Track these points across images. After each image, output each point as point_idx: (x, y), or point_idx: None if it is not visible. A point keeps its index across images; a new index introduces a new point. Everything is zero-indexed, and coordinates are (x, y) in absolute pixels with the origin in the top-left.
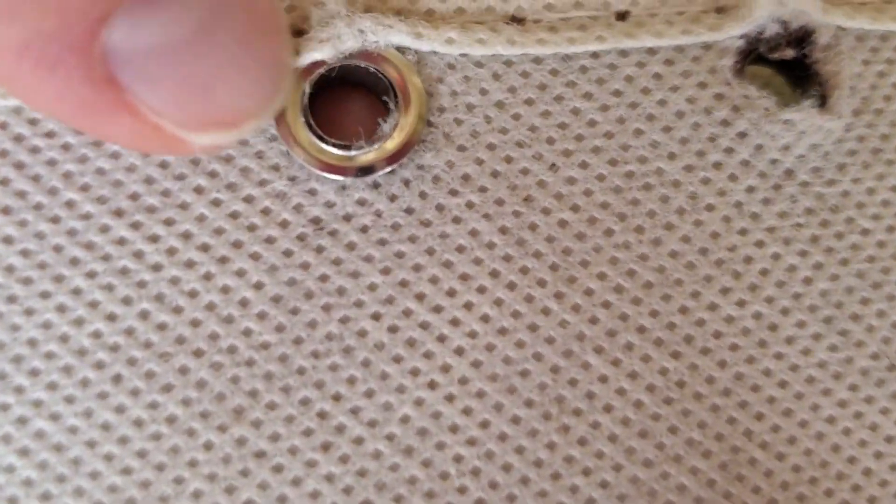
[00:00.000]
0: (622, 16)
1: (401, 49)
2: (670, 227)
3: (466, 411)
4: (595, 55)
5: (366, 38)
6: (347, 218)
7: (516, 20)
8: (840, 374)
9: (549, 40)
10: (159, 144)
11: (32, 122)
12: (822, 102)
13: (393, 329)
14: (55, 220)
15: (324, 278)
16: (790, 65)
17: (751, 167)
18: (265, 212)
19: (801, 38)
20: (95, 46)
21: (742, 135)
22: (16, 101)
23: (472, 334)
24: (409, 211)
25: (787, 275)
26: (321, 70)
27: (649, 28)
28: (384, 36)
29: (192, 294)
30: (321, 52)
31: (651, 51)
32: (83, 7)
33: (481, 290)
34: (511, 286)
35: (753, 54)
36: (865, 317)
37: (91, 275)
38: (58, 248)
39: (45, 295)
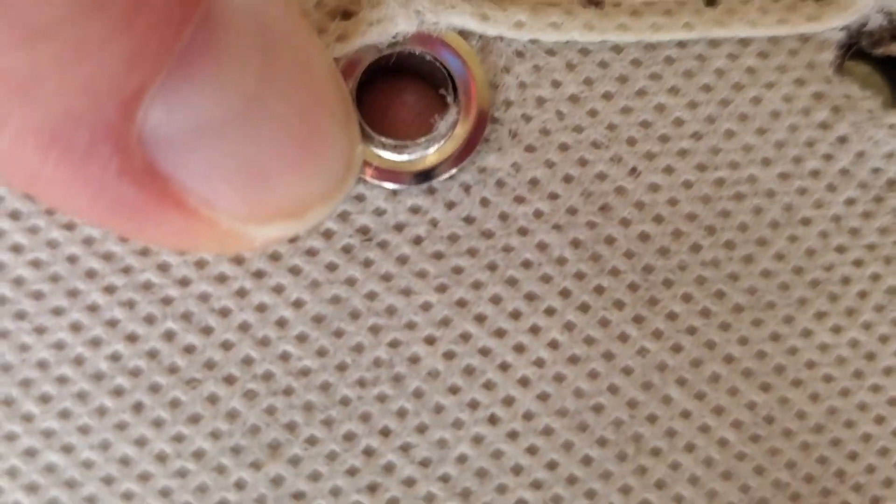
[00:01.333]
0: (712, 1)
1: (462, 33)
2: (763, 242)
3: (531, 450)
4: (682, 44)
5: (423, 18)
6: (399, 227)
7: (594, 3)
8: None
9: (631, 26)
10: (214, 242)
11: None
12: None
13: (449, 355)
14: (69, 226)
15: (371, 296)
16: (893, 62)
17: (851, 176)
18: None
19: None
20: (131, 130)
21: (842, 139)
22: None
23: (539, 363)
24: (468, 220)
25: (887, 298)
26: (370, 59)
27: (742, 16)
28: (445, 17)
29: (224, 312)
30: (371, 36)
31: (744, 41)
32: (114, 81)
33: (550, 312)
34: (584, 308)
35: (854, 48)
36: None
37: (110, 289)
38: (72, 259)
39: (57, 311)
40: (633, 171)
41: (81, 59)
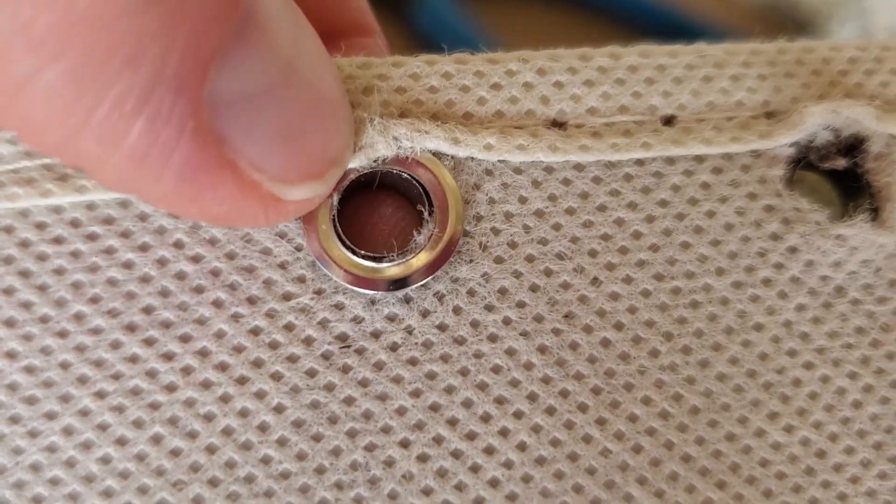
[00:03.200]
0: (669, 120)
1: (437, 154)
2: (718, 347)
3: None
4: (640, 162)
5: (400, 144)
6: (376, 335)
7: (558, 124)
8: (891, 503)
9: (592, 147)
10: (256, 207)
11: (40, 227)
12: (874, 214)
13: (423, 458)
14: (63, 334)
15: (349, 401)
16: (840, 173)
17: (801, 284)
18: (288, 328)
19: (853, 145)
20: (202, 94)
21: (793, 250)
22: (23, 204)
23: (508, 464)
24: (441, 328)
25: (836, 398)
26: (351, 177)
27: (697, 135)
28: (420, 142)
29: (209, 417)
30: (354, 160)
31: (699, 158)
32: (198, 46)
33: (518, 415)
34: (550, 411)
35: (803, 162)
36: None
37: (101, 395)
38: (65, 365)
39: (50, 416)
40: (595, 281)
41: (177, 24)
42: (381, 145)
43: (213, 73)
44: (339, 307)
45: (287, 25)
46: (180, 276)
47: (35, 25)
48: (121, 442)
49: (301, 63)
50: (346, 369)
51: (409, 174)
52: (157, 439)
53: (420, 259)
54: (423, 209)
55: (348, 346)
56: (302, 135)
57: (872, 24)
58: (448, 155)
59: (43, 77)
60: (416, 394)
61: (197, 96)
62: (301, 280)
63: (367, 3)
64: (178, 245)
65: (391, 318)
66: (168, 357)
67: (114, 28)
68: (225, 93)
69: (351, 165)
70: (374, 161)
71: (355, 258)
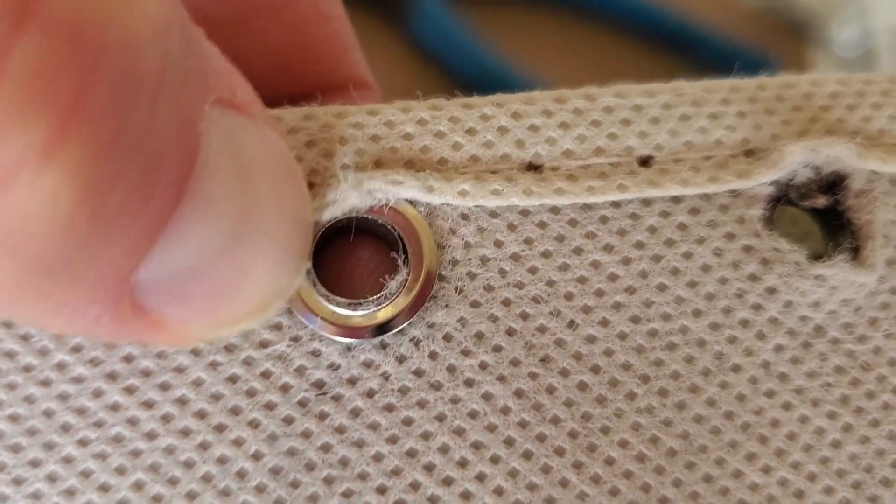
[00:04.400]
0: (645, 161)
1: (412, 200)
2: (695, 389)
3: None
4: (616, 204)
5: (374, 196)
6: (352, 381)
7: (533, 167)
8: None
9: (567, 190)
10: (188, 344)
11: None
12: (855, 252)
13: None
14: (46, 382)
15: (326, 448)
16: (821, 210)
17: (779, 325)
18: (265, 375)
19: (834, 182)
20: (126, 290)
21: (771, 290)
22: None
23: None
24: (418, 373)
25: (814, 438)
26: (326, 226)
27: (674, 176)
28: (395, 193)
29: (189, 464)
30: (328, 212)
31: (676, 199)
32: (117, 268)
33: (495, 459)
34: (527, 455)
35: (783, 200)
36: None
37: (84, 442)
38: (49, 413)
39: (35, 463)
40: (572, 325)
41: (94, 257)
42: (354, 199)
43: (140, 266)
44: (315, 354)
45: (234, 186)
46: None
47: None
48: (104, 488)
49: (248, 226)
50: (322, 416)
51: (384, 221)
52: (138, 486)
53: (396, 305)
54: (398, 256)
55: (325, 393)
56: (241, 290)
57: (872, 25)
58: (423, 201)
59: None
60: (392, 440)
61: (119, 293)
62: (278, 327)
63: (363, 59)
64: None
65: (367, 365)
66: (148, 405)
67: (28, 257)
68: (154, 276)
69: (325, 217)
70: (348, 211)
71: (331, 306)
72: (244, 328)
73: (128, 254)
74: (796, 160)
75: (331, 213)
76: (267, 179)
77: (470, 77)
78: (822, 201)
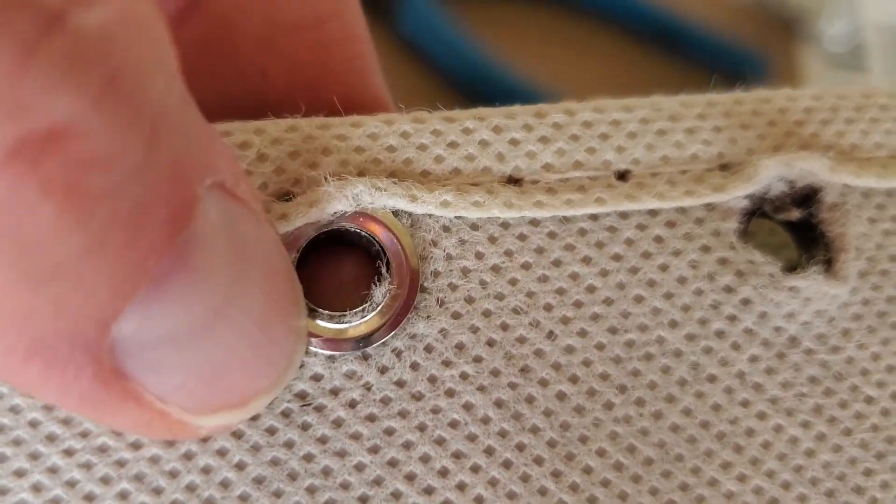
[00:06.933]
0: (623, 175)
1: (394, 211)
2: (671, 399)
3: None
4: (594, 217)
5: (358, 201)
6: (335, 392)
7: (514, 181)
8: None
9: (547, 203)
10: (163, 430)
11: None
12: (828, 264)
13: None
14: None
15: (308, 458)
16: (795, 223)
17: (754, 336)
18: None
19: (807, 196)
20: (105, 343)
21: (746, 302)
22: None
23: None
24: (399, 384)
25: (788, 447)
26: (310, 236)
27: (651, 189)
28: (378, 199)
29: (173, 474)
30: (309, 217)
31: (652, 212)
32: (98, 308)
33: (475, 469)
34: (506, 464)
35: (758, 213)
36: (869, 489)
37: (69, 452)
38: (34, 424)
39: (20, 473)
40: (551, 335)
41: (74, 294)
42: (337, 202)
43: (120, 320)
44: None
45: (226, 263)
46: None
47: None
48: (89, 498)
49: (235, 306)
50: (305, 426)
51: (367, 233)
52: (124, 495)
53: (379, 317)
54: (380, 267)
55: (308, 404)
56: (222, 375)
57: (862, 20)
58: (405, 212)
59: None
60: (374, 450)
61: (98, 345)
62: None
63: (384, 82)
64: None
65: (350, 375)
66: None
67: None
68: (134, 337)
69: (309, 221)
70: (331, 217)
71: (315, 319)
72: (224, 423)
73: (111, 292)
74: (771, 174)
75: (312, 218)
76: (261, 269)
77: (458, 74)
78: (795, 214)
